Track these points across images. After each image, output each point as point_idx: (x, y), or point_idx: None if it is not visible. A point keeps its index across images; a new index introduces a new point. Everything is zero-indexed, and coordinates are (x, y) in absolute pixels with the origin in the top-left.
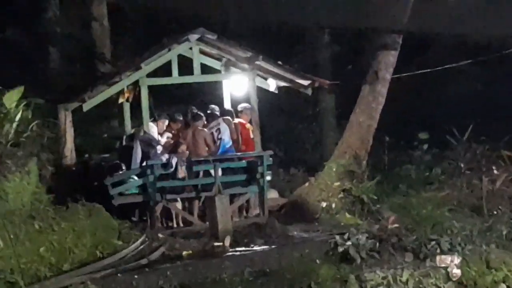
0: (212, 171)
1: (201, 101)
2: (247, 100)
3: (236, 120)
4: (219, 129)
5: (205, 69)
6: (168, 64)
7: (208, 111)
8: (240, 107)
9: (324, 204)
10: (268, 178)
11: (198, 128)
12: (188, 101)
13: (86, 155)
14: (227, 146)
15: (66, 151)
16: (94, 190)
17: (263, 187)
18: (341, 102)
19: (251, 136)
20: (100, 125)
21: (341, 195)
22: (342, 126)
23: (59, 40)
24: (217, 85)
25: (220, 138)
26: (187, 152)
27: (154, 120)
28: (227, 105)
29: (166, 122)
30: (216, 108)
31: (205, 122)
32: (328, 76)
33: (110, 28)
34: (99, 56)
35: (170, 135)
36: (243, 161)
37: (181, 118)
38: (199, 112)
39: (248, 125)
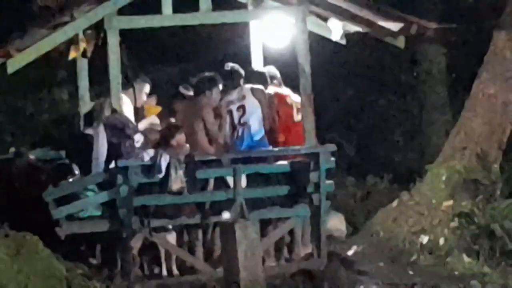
0: (230, 180)
1: (213, 59)
2: (292, 57)
3: (271, 90)
4: (243, 106)
5: (220, 2)
6: None
7: (227, 69)
8: (274, 70)
9: (425, 239)
10: (328, 190)
11: (202, 103)
12: (190, 59)
13: (12, 150)
14: (257, 137)
15: None
16: (26, 210)
17: (319, 207)
18: (457, 62)
19: (296, 118)
20: (37, 98)
21: (454, 222)
22: (457, 103)
23: None
24: (240, 31)
25: (244, 123)
26: (187, 146)
27: (129, 87)
28: (257, 65)
29: (147, 88)
30: (238, 68)
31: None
32: (434, 17)
33: None
34: None
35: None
36: (284, 162)
37: (191, 93)
38: (213, 76)
39: (290, 99)
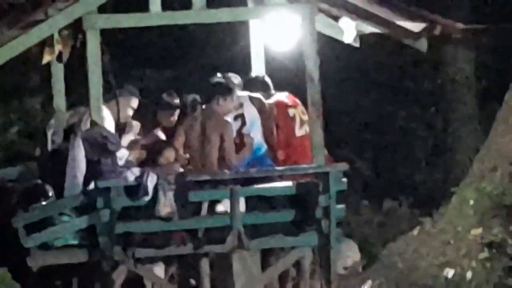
0: (226, 203)
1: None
2: (298, 62)
3: (271, 100)
4: (241, 115)
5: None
6: None
7: (215, 81)
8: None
9: (450, 272)
10: (339, 215)
11: (218, 114)
12: (181, 64)
13: None
14: (260, 151)
15: None
16: None
17: (329, 236)
18: (488, 69)
19: (299, 133)
20: (5, 108)
21: (484, 253)
22: (488, 115)
23: None
24: (239, 32)
25: (246, 135)
26: (177, 164)
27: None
28: (258, 69)
29: (134, 102)
30: (234, 76)
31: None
32: (462, 16)
33: None
34: None
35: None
36: (289, 183)
37: (177, 102)
38: (220, 80)
39: (294, 110)
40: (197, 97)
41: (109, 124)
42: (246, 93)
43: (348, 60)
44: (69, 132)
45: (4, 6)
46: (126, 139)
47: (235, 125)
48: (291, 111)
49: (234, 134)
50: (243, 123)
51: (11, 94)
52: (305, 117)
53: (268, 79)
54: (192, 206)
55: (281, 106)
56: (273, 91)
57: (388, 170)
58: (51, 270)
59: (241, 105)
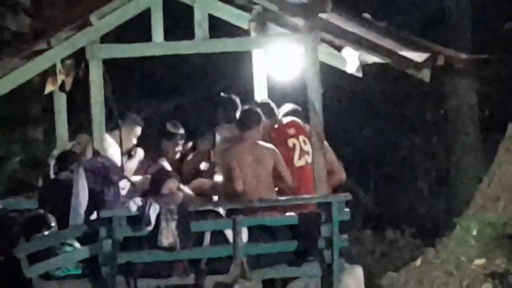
0: (228, 233)
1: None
2: (300, 91)
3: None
4: None
5: (218, 29)
6: (144, 18)
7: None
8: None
9: None
10: (342, 245)
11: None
12: (184, 93)
13: None
14: None
15: None
16: None
17: (332, 266)
18: (490, 99)
19: (298, 163)
20: (7, 138)
21: (487, 284)
22: (490, 145)
23: None
24: (242, 61)
25: None
26: (180, 193)
27: (116, 129)
28: (261, 96)
29: (137, 131)
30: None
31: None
32: (465, 46)
33: None
34: (11, 2)
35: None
36: (291, 214)
37: (182, 132)
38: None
39: (294, 140)
40: (177, 123)
41: (115, 152)
42: None
43: (350, 90)
44: (70, 162)
45: (7, 35)
46: (131, 165)
47: None
48: (290, 141)
49: None
50: None
51: (14, 124)
52: (307, 147)
53: (273, 105)
54: (195, 237)
55: (281, 135)
56: (278, 117)
57: (391, 200)
58: None
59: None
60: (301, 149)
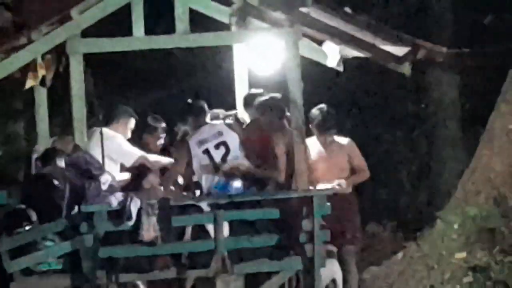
0: (210, 227)
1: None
2: (281, 85)
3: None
4: (224, 143)
5: (199, 23)
6: (124, 12)
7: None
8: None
9: None
10: (323, 239)
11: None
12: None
13: None
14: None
15: None
16: None
17: (313, 259)
18: (472, 92)
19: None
20: None
21: (468, 277)
22: (472, 138)
23: None
24: (223, 56)
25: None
26: (161, 187)
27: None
28: (241, 94)
29: (132, 123)
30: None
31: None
32: (446, 40)
33: None
34: None
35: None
36: (272, 208)
37: (163, 125)
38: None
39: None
40: (158, 117)
41: (123, 141)
42: (219, 122)
43: (332, 84)
44: (52, 157)
45: None
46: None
47: (219, 153)
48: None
49: (219, 161)
50: (227, 150)
51: None
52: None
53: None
54: (176, 231)
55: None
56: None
57: (372, 194)
58: None
59: (220, 133)
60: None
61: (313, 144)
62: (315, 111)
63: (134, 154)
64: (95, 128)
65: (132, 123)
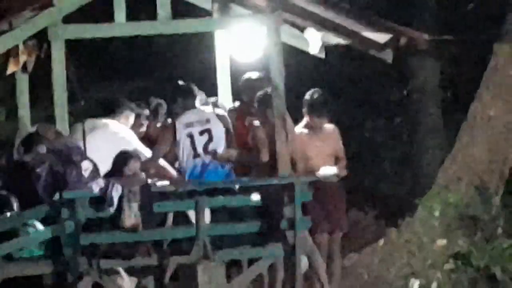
0: (191, 214)
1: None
2: (262, 72)
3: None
4: (208, 131)
5: (181, 10)
6: None
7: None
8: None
9: (415, 283)
10: (305, 226)
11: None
12: (147, 74)
13: None
14: (226, 168)
15: None
16: None
17: (294, 246)
18: (453, 79)
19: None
20: None
21: (449, 264)
22: (453, 126)
23: None
24: (203, 42)
25: (213, 152)
26: (142, 174)
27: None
28: (223, 80)
29: (132, 118)
30: (192, 87)
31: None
32: (427, 27)
33: None
34: None
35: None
36: (253, 194)
37: (146, 112)
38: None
39: (254, 122)
40: (162, 102)
41: (131, 136)
42: (210, 109)
43: (313, 70)
44: (33, 144)
45: None
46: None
47: (202, 140)
48: (247, 120)
49: (201, 149)
50: (210, 139)
51: None
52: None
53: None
54: (157, 217)
55: (237, 114)
56: None
57: (353, 181)
58: (15, 281)
59: (208, 121)
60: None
61: (305, 132)
62: (308, 94)
63: (144, 154)
64: (78, 123)
65: (132, 117)
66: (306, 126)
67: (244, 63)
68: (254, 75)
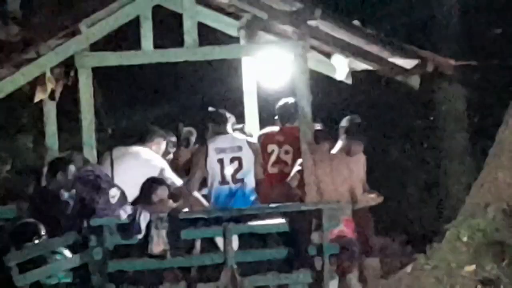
0: (219, 240)
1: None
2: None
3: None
4: (239, 159)
5: (207, 36)
6: (133, 26)
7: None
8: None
9: None
10: (332, 252)
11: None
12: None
13: None
14: (252, 197)
15: None
16: None
17: (323, 272)
18: (480, 105)
19: (274, 169)
20: None
21: None
22: (480, 151)
23: None
24: (231, 69)
25: (241, 180)
26: (170, 201)
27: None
28: (250, 107)
29: (164, 145)
30: (226, 113)
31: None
32: (454, 52)
33: None
34: None
35: None
36: (281, 220)
37: (173, 139)
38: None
39: (273, 146)
40: (192, 130)
41: (162, 162)
42: (242, 136)
43: (340, 97)
44: (59, 169)
45: None
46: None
47: (231, 168)
48: (270, 147)
49: (229, 177)
50: (240, 167)
51: (3, 132)
52: (287, 157)
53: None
54: (185, 244)
55: (262, 140)
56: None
57: (380, 208)
58: None
59: (240, 148)
60: (278, 157)
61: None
62: (345, 119)
63: (175, 182)
64: (106, 152)
65: (164, 144)
66: (341, 150)
67: (271, 90)
68: (290, 100)
